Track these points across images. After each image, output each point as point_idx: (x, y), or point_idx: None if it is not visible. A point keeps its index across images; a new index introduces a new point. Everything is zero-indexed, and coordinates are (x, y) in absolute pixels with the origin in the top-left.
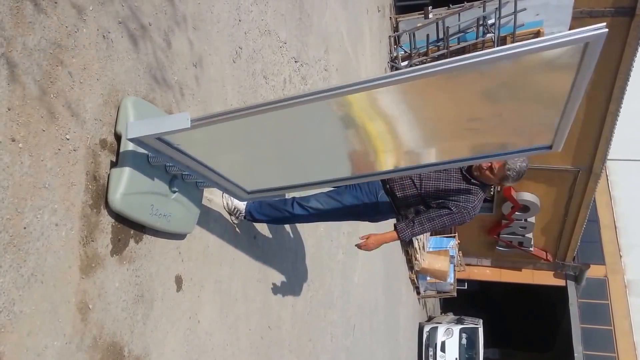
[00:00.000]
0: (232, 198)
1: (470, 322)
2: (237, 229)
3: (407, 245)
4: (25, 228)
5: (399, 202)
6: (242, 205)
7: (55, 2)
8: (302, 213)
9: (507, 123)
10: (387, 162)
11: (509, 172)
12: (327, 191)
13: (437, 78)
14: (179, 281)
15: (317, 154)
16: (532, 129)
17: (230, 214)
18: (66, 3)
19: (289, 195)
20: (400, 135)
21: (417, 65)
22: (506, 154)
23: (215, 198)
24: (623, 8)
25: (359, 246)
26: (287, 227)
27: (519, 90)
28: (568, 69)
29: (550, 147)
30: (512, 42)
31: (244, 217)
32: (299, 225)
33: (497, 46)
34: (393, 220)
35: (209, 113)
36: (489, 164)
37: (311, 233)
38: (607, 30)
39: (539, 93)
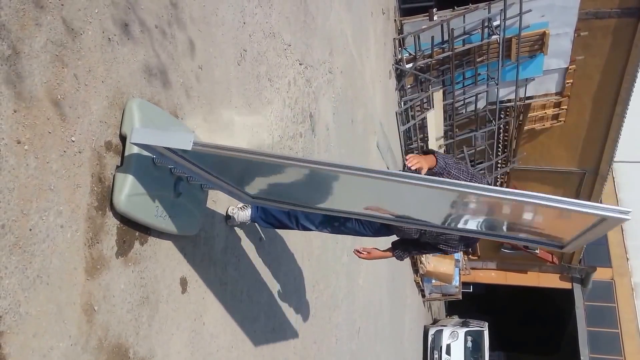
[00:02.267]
0: (237, 217)
1: (475, 325)
2: (242, 230)
3: None
4: (30, 230)
5: (398, 234)
6: (247, 216)
7: (62, 5)
8: (305, 230)
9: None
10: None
11: None
12: (330, 217)
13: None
14: (184, 283)
15: (318, 189)
16: (550, 234)
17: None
18: (72, 5)
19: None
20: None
21: (421, 67)
22: (519, 239)
23: (219, 201)
24: (629, 9)
25: (358, 252)
26: None
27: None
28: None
29: (561, 247)
30: (518, 43)
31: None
32: None
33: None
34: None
35: (213, 144)
36: None
37: (316, 235)
38: (629, 218)
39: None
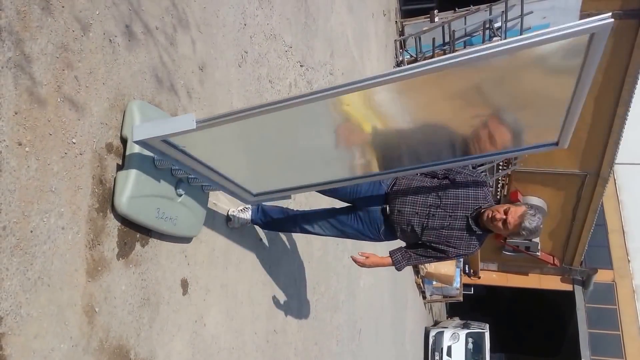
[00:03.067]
0: (237, 219)
1: (476, 327)
2: (243, 232)
3: None
4: (31, 231)
5: (398, 236)
6: (247, 217)
7: (62, 6)
8: (306, 229)
9: (512, 119)
10: (390, 162)
11: (523, 232)
12: (330, 219)
13: (437, 75)
14: (184, 284)
15: (319, 154)
16: (539, 125)
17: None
18: (73, 7)
19: (292, 201)
20: (403, 135)
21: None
22: (511, 152)
23: (220, 202)
24: (631, 11)
25: (355, 259)
26: None
27: (524, 86)
28: (573, 63)
29: (556, 144)
30: None
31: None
32: None
33: None
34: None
35: (214, 114)
36: (504, 217)
37: (317, 236)
38: (612, 20)
39: (544, 89)
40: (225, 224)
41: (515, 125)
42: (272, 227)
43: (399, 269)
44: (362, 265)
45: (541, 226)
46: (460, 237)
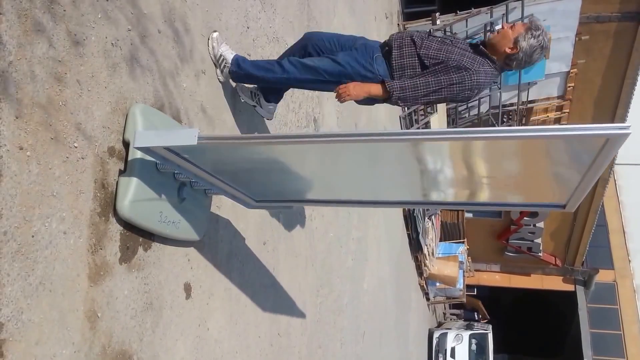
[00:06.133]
0: (218, 43)
1: (479, 328)
2: (246, 236)
3: (416, 251)
4: (33, 236)
5: (394, 60)
6: (229, 55)
7: (64, 10)
8: (292, 69)
9: (524, 184)
10: (393, 194)
11: (531, 40)
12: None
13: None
14: (187, 289)
15: (324, 178)
16: (550, 188)
17: (215, 66)
18: (74, 11)
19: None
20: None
21: None
22: (518, 205)
23: (223, 206)
24: (630, 13)
25: (339, 96)
26: (297, 232)
27: (540, 160)
28: (586, 154)
29: (563, 207)
30: None
31: (230, 72)
32: (308, 231)
33: None
34: None
35: (217, 134)
36: (510, 26)
37: (321, 238)
38: (630, 132)
39: (557, 166)
40: (229, 227)
41: (527, 183)
42: (251, 77)
43: (393, 93)
44: (347, 93)
45: (548, 43)
46: (462, 51)
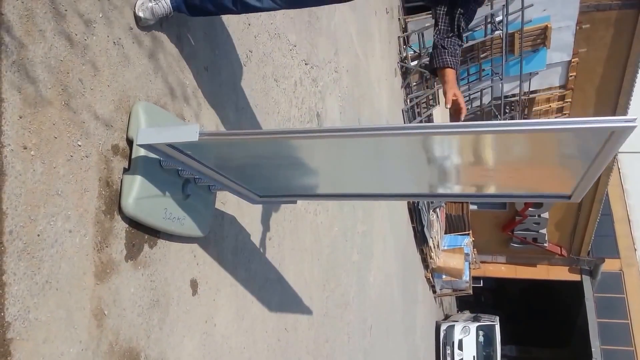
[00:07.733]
0: (151, 11)
1: (486, 320)
2: (252, 231)
3: (421, 244)
4: (39, 235)
5: None
6: (167, 7)
7: (66, 10)
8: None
9: (529, 175)
10: (398, 187)
11: None
12: None
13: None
14: (194, 285)
15: (329, 172)
16: (555, 178)
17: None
18: (76, 10)
19: None
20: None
21: (426, 64)
22: (523, 196)
23: (228, 201)
24: (630, 1)
25: (459, 112)
26: (302, 227)
27: (547, 150)
28: (592, 146)
29: (569, 197)
30: (520, 38)
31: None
32: (313, 225)
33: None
34: None
35: (219, 130)
36: None
37: (326, 233)
38: (636, 125)
39: (563, 158)
40: (234, 223)
41: (533, 175)
42: (202, 9)
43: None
44: (463, 104)
45: None
46: None
